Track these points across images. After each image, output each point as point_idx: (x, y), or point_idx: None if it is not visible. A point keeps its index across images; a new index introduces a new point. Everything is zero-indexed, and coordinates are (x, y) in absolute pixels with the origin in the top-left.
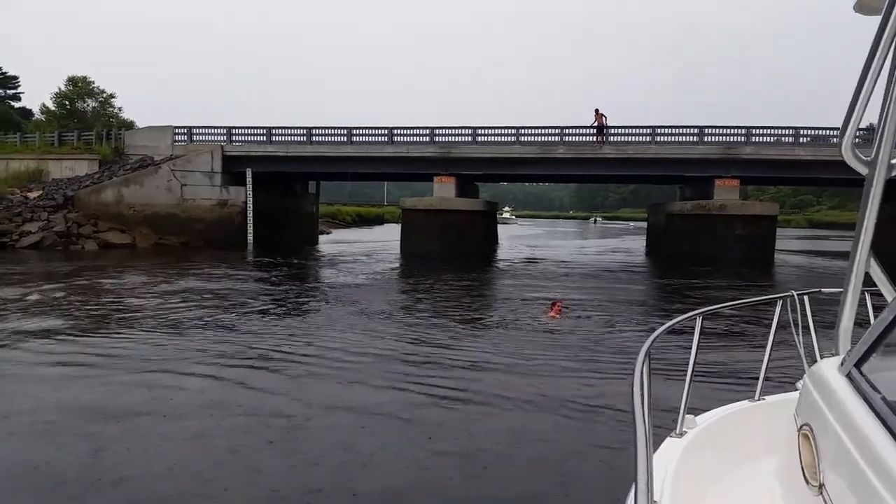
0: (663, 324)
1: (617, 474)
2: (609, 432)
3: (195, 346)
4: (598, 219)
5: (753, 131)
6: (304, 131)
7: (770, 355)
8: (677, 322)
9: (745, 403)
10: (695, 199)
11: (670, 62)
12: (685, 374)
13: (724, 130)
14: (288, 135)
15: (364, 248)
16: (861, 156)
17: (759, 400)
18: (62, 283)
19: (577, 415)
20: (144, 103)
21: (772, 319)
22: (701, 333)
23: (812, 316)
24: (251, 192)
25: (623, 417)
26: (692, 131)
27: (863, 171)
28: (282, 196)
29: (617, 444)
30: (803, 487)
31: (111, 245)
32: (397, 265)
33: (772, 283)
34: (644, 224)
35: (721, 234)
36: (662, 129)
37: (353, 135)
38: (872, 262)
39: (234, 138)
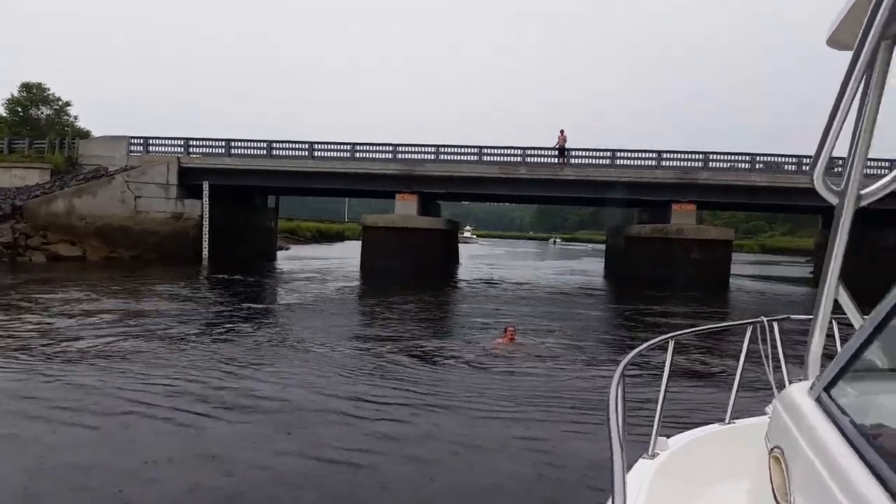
0: (623, 355)
1: None
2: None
3: (93, 382)
4: (557, 240)
5: (711, 157)
6: (265, 145)
7: (740, 379)
8: (650, 345)
9: (715, 426)
10: (652, 222)
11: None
12: (657, 397)
13: (682, 155)
14: (248, 148)
15: (322, 266)
16: (832, 186)
17: (729, 423)
18: None
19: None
20: (106, 114)
21: (742, 344)
22: (673, 357)
23: (781, 341)
24: (208, 206)
25: (559, 473)
26: (651, 155)
27: (833, 200)
28: (240, 210)
29: None
30: None
31: (60, 257)
32: (355, 284)
33: (728, 310)
34: (602, 246)
35: (678, 258)
36: (622, 153)
37: (314, 150)
38: (841, 289)
39: (191, 150)
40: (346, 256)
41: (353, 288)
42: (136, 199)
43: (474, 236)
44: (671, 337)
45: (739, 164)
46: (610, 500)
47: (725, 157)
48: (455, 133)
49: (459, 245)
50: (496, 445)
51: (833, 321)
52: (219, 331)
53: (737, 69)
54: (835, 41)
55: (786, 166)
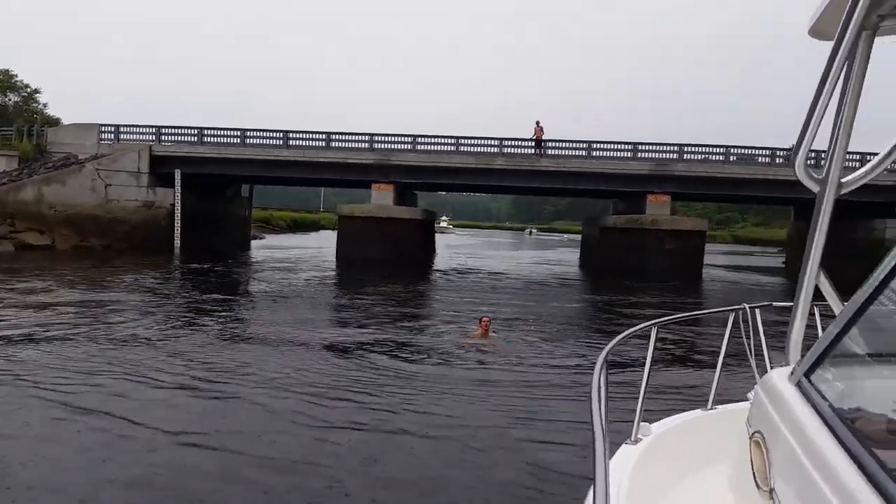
0: (601, 346)
1: None
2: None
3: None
4: (533, 230)
5: (685, 149)
6: (238, 133)
7: (722, 366)
8: (633, 332)
9: (698, 412)
10: (628, 213)
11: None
12: (640, 383)
13: (658, 147)
14: (220, 136)
15: (297, 255)
16: (813, 174)
17: (711, 409)
18: None
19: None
20: (81, 102)
21: (724, 331)
22: (655, 344)
23: (763, 328)
24: (179, 194)
25: (535, 471)
26: (626, 147)
27: (814, 188)
28: (212, 199)
29: None
30: (754, 493)
31: (28, 246)
32: (328, 275)
33: (702, 299)
34: (578, 237)
35: (652, 248)
36: (598, 144)
37: (289, 138)
38: (822, 276)
39: (163, 138)
40: (322, 246)
41: (325, 278)
42: (106, 188)
43: (451, 226)
44: (654, 324)
45: (714, 156)
46: (592, 485)
47: (700, 149)
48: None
49: (436, 235)
50: (465, 446)
51: (814, 308)
52: (182, 322)
53: (737, 69)
54: (817, 31)
55: (759, 158)
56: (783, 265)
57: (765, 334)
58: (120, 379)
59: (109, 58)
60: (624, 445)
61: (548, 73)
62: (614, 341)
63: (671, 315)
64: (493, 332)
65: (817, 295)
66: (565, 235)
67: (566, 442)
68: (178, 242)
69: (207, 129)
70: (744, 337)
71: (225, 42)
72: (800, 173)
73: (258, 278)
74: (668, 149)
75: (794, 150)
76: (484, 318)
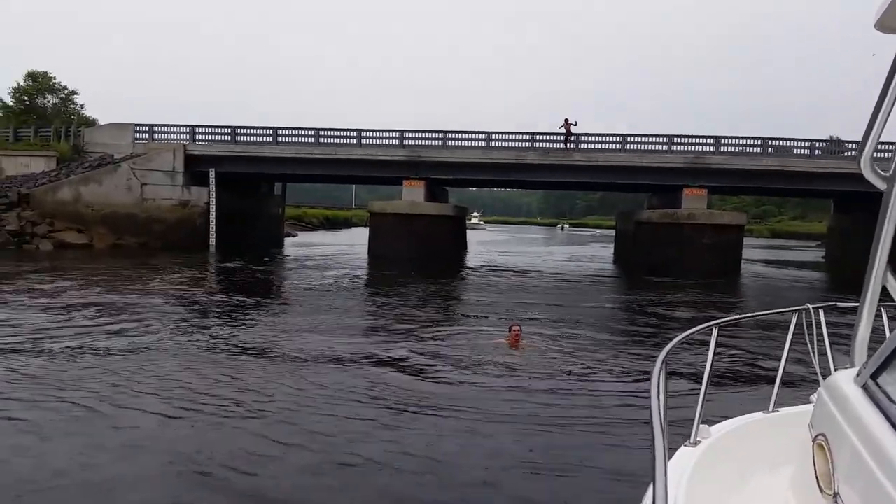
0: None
1: None
2: None
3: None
4: (565, 226)
5: (722, 141)
6: (271, 132)
7: (784, 367)
8: (693, 332)
9: (759, 415)
10: (663, 207)
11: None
12: (698, 386)
13: (693, 139)
14: (254, 135)
15: (329, 252)
16: (879, 171)
17: (772, 411)
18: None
19: None
20: (114, 102)
21: (785, 332)
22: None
23: (827, 329)
24: (214, 193)
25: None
26: (661, 140)
27: (881, 185)
28: (246, 197)
29: None
30: (817, 497)
31: (67, 245)
32: (360, 273)
33: (744, 297)
34: (610, 232)
35: (689, 243)
36: (632, 137)
37: (320, 136)
38: (889, 275)
39: (197, 138)
40: (354, 243)
41: (354, 277)
42: (142, 187)
43: (482, 222)
44: (715, 325)
45: (751, 149)
46: (651, 486)
47: (737, 142)
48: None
49: (468, 231)
50: (496, 470)
51: (882, 308)
52: (219, 321)
53: (742, 68)
54: (884, 25)
55: (796, 150)
56: (823, 259)
57: (829, 336)
58: (149, 384)
59: (109, 57)
60: (683, 447)
61: (548, 73)
62: (674, 342)
63: (729, 316)
64: (524, 341)
65: (884, 295)
66: (598, 231)
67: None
68: (213, 240)
69: (241, 128)
70: (807, 338)
71: (224, 42)
72: (866, 170)
73: (290, 276)
74: (704, 141)
75: (860, 147)
76: (514, 327)
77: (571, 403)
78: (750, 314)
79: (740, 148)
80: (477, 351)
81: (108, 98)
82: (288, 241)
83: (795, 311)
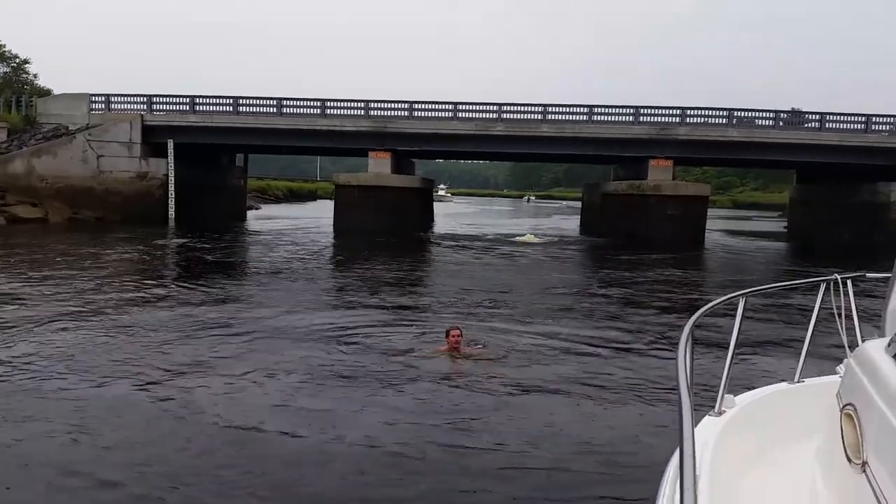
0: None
1: None
2: None
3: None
4: (531, 197)
5: (688, 112)
6: (231, 101)
7: (811, 338)
8: (720, 302)
9: (784, 385)
10: (629, 179)
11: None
12: (721, 358)
13: (660, 111)
14: (213, 104)
15: (292, 226)
16: None
17: (798, 382)
18: None
19: None
20: (70, 72)
21: (813, 302)
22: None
23: (855, 300)
24: (173, 165)
25: None
26: (628, 111)
27: None
28: (206, 169)
29: None
30: (844, 466)
31: (20, 220)
32: (320, 249)
33: (702, 269)
34: (577, 203)
35: (654, 214)
36: (599, 109)
37: (283, 106)
38: None
39: (154, 107)
40: (319, 216)
41: (312, 253)
42: (98, 159)
43: (449, 194)
44: (741, 295)
45: (716, 120)
46: (677, 452)
47: (702, 112)
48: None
49: (434, 203)
50: None
51: None
52: (170, 298)
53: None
54: None
55: (760, 121)
56: (785, 229)
57: (857, 306)
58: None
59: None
60: (707, 417)
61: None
62: (700, 311)
63: (755, 287)
64: (466, 347)
65: None
66: (564, 202)
67: None
68: (172, 214)
69: (199, 97)
70: (834, 308)
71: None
72: None
73: (246, 252)
74: (670, 112)
75: None
76: (453, 332)
77: (502, 443)
78: (777, 284)
79: (706, 119)
80: (408, 360)
81: (63, 69)
82: (251, 213)
83: (823, 281)
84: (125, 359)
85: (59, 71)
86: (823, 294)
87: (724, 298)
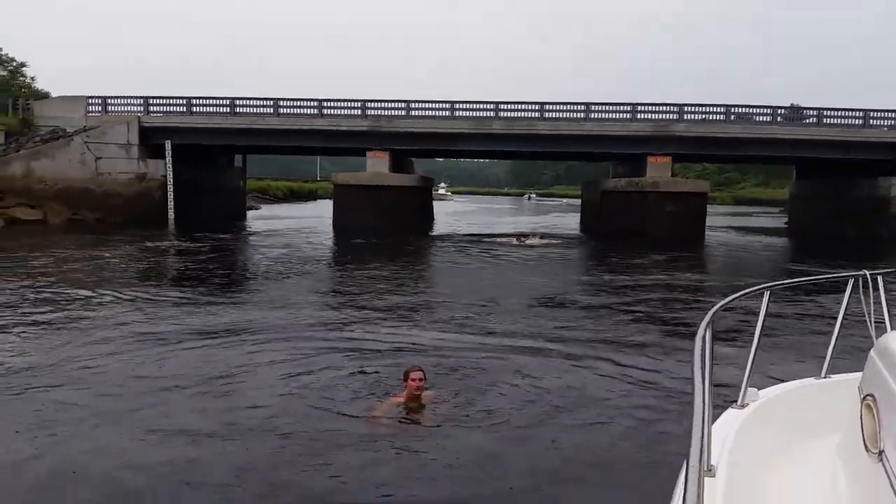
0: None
1: None
2: None
3: None
4: (532, 195)
5: (685, 108)
6: (227, 102)
7: (839, 334)
8: (743, 295)
9: (810, 380)
10: (628, 176)
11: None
12: (747, 350)
13: (657, 108)
14: (209, 105)
15: (292, 226)
16: None
17: (825, 377)
18: None
19: None
20: (66, 74)
21: (841, 298)
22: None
23: (885, 296)
24: (171, 166)
25: None
26: (625, 108)
27: None
28: (205, 170)
29: None
30: (864, 461)
31: (19, 221)
32: (317, 251)
33: (704, 264)
34: (577, 201)
35: (654, 211)
36: (596, 106)
37: (279, 106)
38: None
39: (151, 109)
40: (319, 215)
41: (306, 255)
42: (96, 161)
43: (449, 193)
44: (766, 288)
45: (714, 116)
46: (695, 441)
47: (700, 109)
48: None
49: (434, 202)
50: None
51: None
52: (170, 299)
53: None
54: None
55: (759, 117)
56: (785, 225)
57: (886, 302)
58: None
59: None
60: (730, 409)
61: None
62: (724, 301)
63: (783, 280)
64: (430, 392)
65: None
66: (564, 200)
67: None
68: (171, 215)
69: (196, 98)
70: (863, 304)
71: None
72: None
73: (242, 252)
74: (668, 109)
75: None
76: (413, 374)
77: None
78: (804, 278)
79: (704, 115)
80: (361, 404)
81: (60, 72)
82: (251, 213)
83: (851, 276)
84: (123, 360)
85: (58, 73)
86: (852, 290)
87: (747, 291)
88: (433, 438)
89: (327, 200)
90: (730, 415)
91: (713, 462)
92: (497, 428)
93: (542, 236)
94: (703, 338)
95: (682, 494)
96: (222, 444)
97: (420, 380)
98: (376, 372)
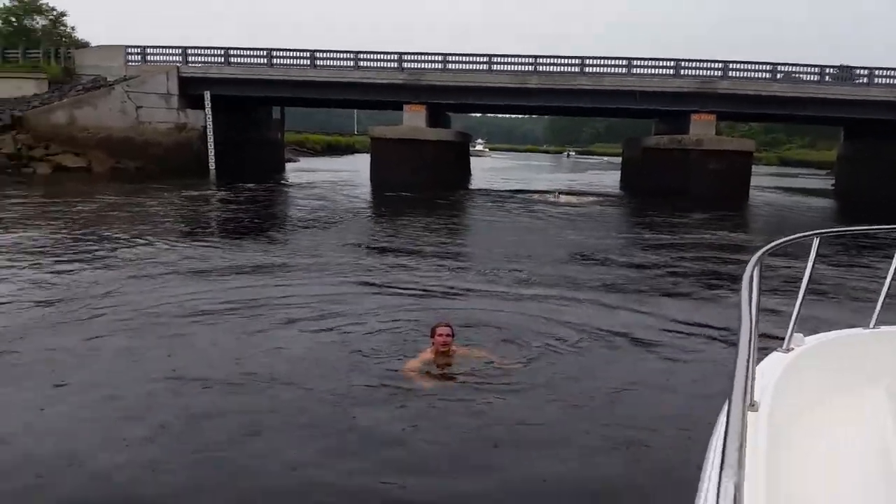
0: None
1: None
2: None
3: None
4: (571, 153)
5: (730, 66)
6: (265, 53)
7: (889, 285)
8: (793, 239)
9: (858, 330)
10: (670, 133)
11: None
12: (794, 298)
13: (701, 64)
14: (247, 56)
15: (329, 178)
16: None
17: (874, 328)
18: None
19: None
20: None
21: (891, 252)
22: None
23: None
24: (210, 116)
25: None
26: (668, 64)
27: None
28: (244, 122)
29: None
30: None
31: (65, 169)
32: (354, 204)
33: (748, 224)
34: (617, 159)
35: (696, 169)
36: (638, 61)
37: (316, 58)
38: None
39: (189, 59)
40: (357, 169)
41: (344, 208)
42: (137, 110)
43: (487, 149)
44: (816, 234)
45: (759, 74)
46: (738, 382)
47: (745, 67)
48: None
49: (472, 158)
50: None
51: None
52: (208, 247)
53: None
54: None
55: (806, 76)
56: (832, 187)
57: None
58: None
59: None
60: (775, 352)
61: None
62: (772, 245)
63: (829, 229)
64: (460, 346)
65: None
66: (604, 158)
67: None
68: (212, 165)
69: (233, 48)
70: None
71: None
72: None
73: (282, 205)
74: (712, 65)
75: None
76: (439, 329)
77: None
78: (855, 228)
79: (748, 73)
80: (393, 360)
81: (100, 20)
82: (289, 166)
83: None
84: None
85: (97, 23)
86: None
87: (796, 237)
88: (457, 393)
89: (365, 155)
90: (775, 357)
91: (756, 398)
92: (525, 384)
93: (581, 193)
94: (751, 277)
95: (724, 425)
96: (255, 391)
97: (447, 335)
98: (412, 323)
